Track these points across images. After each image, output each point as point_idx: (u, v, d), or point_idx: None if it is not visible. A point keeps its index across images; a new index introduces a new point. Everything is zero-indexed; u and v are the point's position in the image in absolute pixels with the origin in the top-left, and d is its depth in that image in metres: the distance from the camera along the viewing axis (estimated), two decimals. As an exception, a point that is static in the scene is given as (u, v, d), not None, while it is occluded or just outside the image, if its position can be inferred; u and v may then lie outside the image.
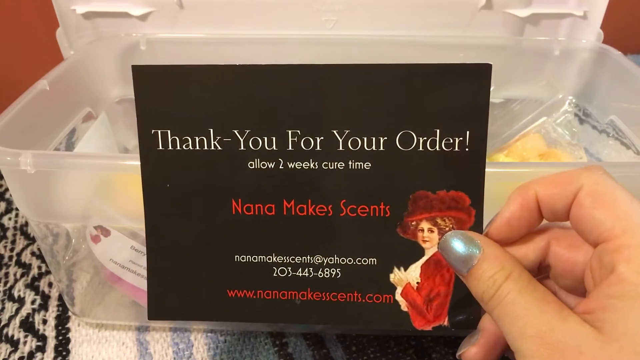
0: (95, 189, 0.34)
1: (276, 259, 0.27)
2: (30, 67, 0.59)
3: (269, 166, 0.26)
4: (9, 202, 0.56)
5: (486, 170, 0.25)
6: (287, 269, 0.27)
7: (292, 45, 0.49)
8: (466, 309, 0.25)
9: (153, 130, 0.26)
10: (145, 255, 0.36)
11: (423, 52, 0.49)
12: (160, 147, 0.26)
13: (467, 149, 0.25)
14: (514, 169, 0.30)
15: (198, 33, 0.49)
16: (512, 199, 0.23)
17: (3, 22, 0.65)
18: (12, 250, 0.50)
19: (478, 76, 0.24)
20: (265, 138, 0.25)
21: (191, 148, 0.26)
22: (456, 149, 0.25)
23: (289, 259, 0.27)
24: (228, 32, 0.49)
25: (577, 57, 0.49)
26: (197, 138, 0.26)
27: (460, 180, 0.25)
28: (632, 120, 0.43)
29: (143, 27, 0.49)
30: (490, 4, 0.47)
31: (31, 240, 0.51)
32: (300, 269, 0.27)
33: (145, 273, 0.37)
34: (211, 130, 0.25)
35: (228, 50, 0.50)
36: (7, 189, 0.58)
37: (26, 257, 0.49)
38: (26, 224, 0.53)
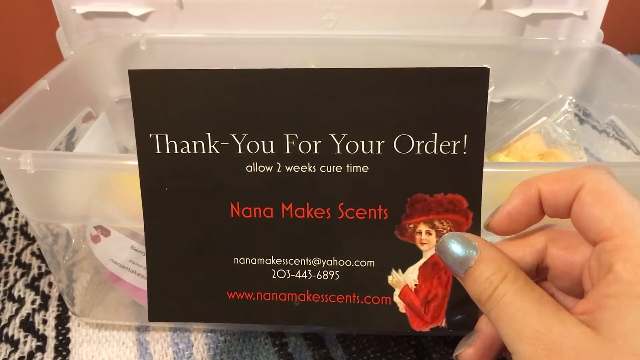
0: (95, 189, 0.34)
1: (275, 261, 0.27)
2: (30, 67, 0.59)
3: (267, 170, 0.26)
4: (9, 202, 0.56)
5: (486, 170, 0.25)
6: (286, 271, 0.27)
7: (292, 45, 0.49)
8: (463, 310, 0.26)
9: (151, 135, 0.26)
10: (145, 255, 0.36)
11: (423, 52, 0.49)
12: (158, 151, 0.26)
13: (464, 152, 0.25)
14: (514, 169, 0.30)
15: (198, 33, 0.49)
16: (514, 194, 0.23)
17: (3, 22, 0.65)
18: (12, 250, 0.50)
19: (476, 80, 0.24)
20: (263, 142, 0.25)
21: (189, 152, 0.26)
22: (454, 152, 0.25)
23: (287, 261, 0.27)
24: (228, 32, 0.49)
25: (577, 57, 0.49)
26: (194, 142, 0.26)
27: (458, 183, 0.25)
28: (632, 120, 0.43)
29: (143, 27, 0.49)
30: (490, 4, 0.47)
31: (31, 240, 0.51)
32: (298, 271, 0.27)
33: (145, 273, 0.37)
34: (209, 134, 0.25)
35: (228, 51, 0.50)
36: (7, 189, 0.58)
37: (26, 257, 0.49)
38: (26, 224, 0.53)
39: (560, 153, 0.45)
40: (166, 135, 0.26)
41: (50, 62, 0.44)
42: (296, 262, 0.27)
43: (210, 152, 0.26)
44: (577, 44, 0.49)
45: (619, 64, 0.45)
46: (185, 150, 0.26)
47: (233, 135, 0.25)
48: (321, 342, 0.40)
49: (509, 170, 0.30)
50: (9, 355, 0.40)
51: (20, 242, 0.51)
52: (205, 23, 0.49)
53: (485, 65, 0.24)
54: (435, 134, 0.25)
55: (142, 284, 0.37)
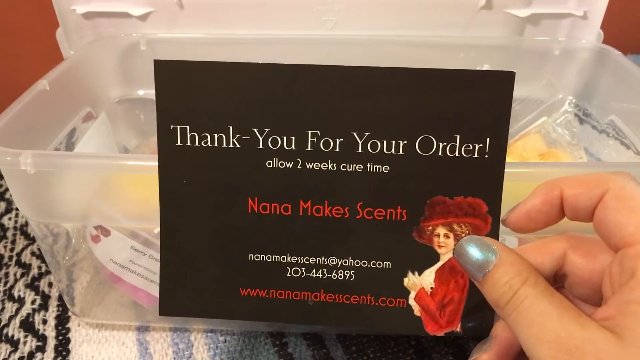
0: (95, 189, 0.34)
1: (290, 259, 0.26)
2: (30, 67, 0.59)
3: (287, 166, 0.25)
4: (9, 202, 0.56)
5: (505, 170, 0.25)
6: (301, 270, 0.26)
7: (292, 45, 0.49)
8: (479, 315, 0.25)
9: (172, 126, 0.26)
10: (145, 255, 0.36)
11: (423, 52, 0.49)
12: (179, 143, 0.26)
13: (486, 156, 0.24)
14: (514, 169, 0.30)
15: (198, 33, 0.49)
16: (536, 192, 0.23)
17: (3, 22, 0.65)
18: (12, 250, 0.50)
19: (501, 84, 0.24)
20: (285, 137, 0.25)
21: (210, 145, 0.26)
22: (475, 155, 0.25)
23: (303, 259, 0.26)
24: (228, 32, 0.49)
25: (577, 57, 0.49)
26: (216, 135, 0.25)
27: (478, 187, 0.25)
28: (632, 120, 0.43)
29: (143, 27, 0.49)
30: (490, 4, 0.47)
31: (31, 240, 0.51)
32: (314, 270, 0.26)
33: (145, 273, 0.37)
34: (230, 127, 0.25)
35: (228, 51, 0.50)
36: (7, 189, 0.58)
37: (26, 257, 0.49)
38: (26, 224, 0.53)
39: (560, 153, 0.45)
40: (187, 127, 0.25)
41: (50, 62, 0.44)
42: (312, 260, 0.26)
43: (231, 145, 0.25)
44: (577, 44, 0.49)
45: (619, 64, 0.45)
46: (206, 143, 0.26)
47: (255, 130, 0.25)
48: (321, 342, 0.40)
49: (510, 170, 0.30)
50: (9, 355, 0.40)
51: (20, 242, 0.51)
52: (205, 23, 0.49)
53: (511, 70, 0.24)
54: (458, 137, 0.24)
55: (142, 284, 0.37)
